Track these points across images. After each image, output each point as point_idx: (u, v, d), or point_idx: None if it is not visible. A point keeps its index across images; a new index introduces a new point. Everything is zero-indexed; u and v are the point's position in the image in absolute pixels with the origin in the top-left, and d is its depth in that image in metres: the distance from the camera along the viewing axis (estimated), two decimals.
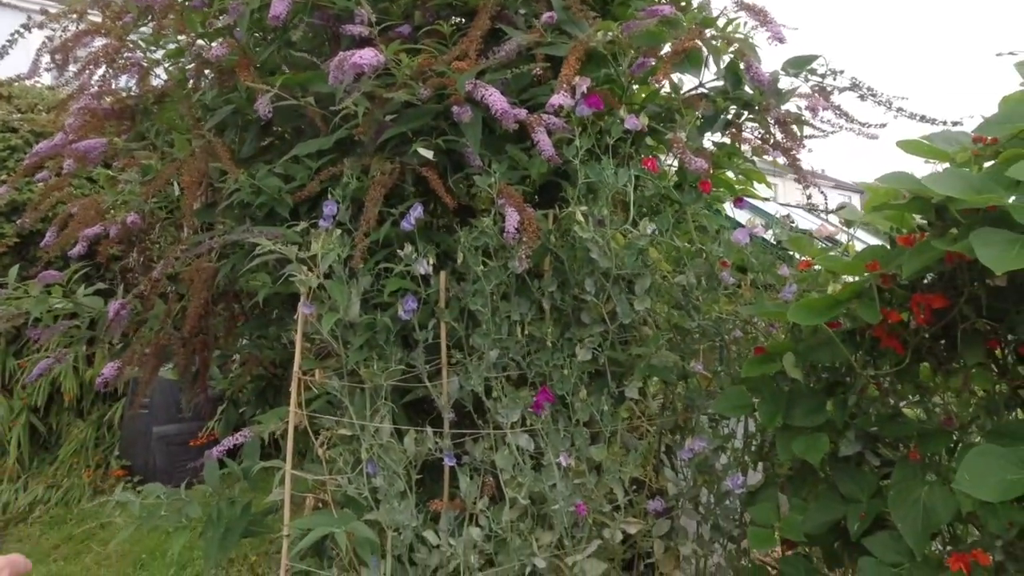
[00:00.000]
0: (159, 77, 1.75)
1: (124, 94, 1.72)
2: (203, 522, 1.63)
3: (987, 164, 0.89)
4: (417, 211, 1.23)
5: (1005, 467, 0.86)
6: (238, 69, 1.40)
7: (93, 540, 3.00)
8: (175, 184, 1.58)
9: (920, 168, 0.95)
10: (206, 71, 1.65)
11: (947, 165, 0.96)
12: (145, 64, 1.66)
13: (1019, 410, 1.12)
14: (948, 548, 1.18)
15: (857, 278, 1.19)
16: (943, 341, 1.16)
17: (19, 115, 3.65)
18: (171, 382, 3.56)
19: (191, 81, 1.70)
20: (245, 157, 1.73)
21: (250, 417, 2.17)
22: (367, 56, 1.17)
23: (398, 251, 1.36)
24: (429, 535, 1.35)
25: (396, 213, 1.39)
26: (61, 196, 1.88)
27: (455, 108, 1.26)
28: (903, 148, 1.00)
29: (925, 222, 1.07)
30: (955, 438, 1.19)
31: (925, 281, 1.14)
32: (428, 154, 1.30)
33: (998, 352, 1.10)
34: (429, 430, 1.41)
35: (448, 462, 1.34)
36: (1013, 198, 0.79)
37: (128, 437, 3.71)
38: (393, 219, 1.40)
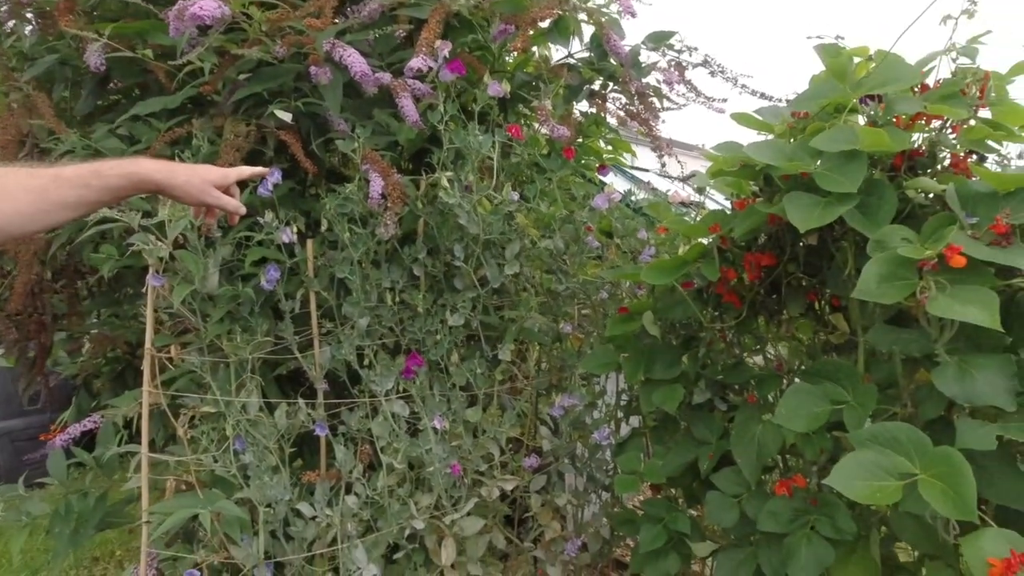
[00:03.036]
0: None
1: None
2: (51, 518, 1.49)
3: (800, 136, 1.00)
4: (275, 176, 1.17)
5: (813, 402, 0.98)
6: (58, 12, 1.24)
7: None
8: None
9: (755, 139, 1.05)
10: (24, 14, 1.45)
11: (771, 136, 1.06)
12: None
13: (834, 353, 1.28)
14: (781, 478, 1.34)
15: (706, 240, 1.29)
16: (774, 296, 1.29)
17: None
18: (11, 371, 3.18)
19: (6, 24, 1.48)
20: (83, 115, 1.55)
21: (107, 403, 1.99)
22: (208, 6, 1.08)
23: (259, 219, 1.29)
24: (304, 507, 1.33)
25: (255, 180, 1.31)
26: None
27: (312, 69, 1.21)
28: (737, 120, 1.09)
29: (757, 188, 1.18)
30: (784, 381, 1.35)
31: (759, 242, 1.26)
32: (286, 117, 1.24)
33: (816, 304, 1.25)
34: (302, 402, 1.37)
35: (320, 432, 1.32)
36: (818, 164, 0.90)
37: None
38: (253, 186, 1.32)
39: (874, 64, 0.93)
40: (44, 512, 1.47)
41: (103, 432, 1.49)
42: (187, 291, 1.19)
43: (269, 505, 1.31)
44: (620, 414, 1.75)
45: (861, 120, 0.97)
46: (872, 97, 0.93)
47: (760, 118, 1.08)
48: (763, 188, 1.15)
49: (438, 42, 1.21)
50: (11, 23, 1.52)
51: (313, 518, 1.33)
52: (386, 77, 1.24)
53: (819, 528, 1.09)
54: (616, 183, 2.13)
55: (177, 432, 1.39)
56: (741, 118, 1.07)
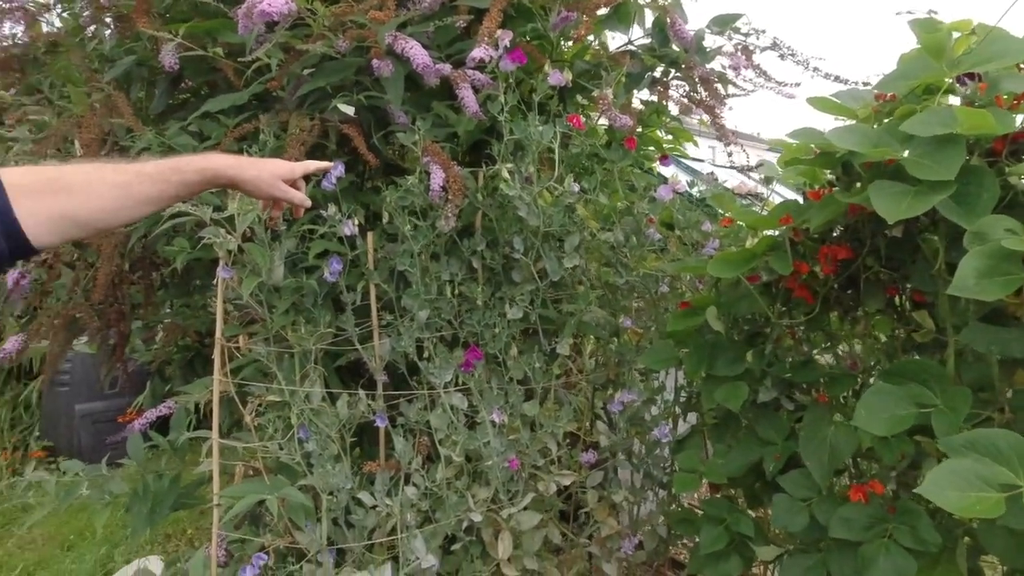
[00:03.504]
0: (50, 24, 1.60)
1: (9, 42, 1.56)
2: (130, 497, 1.58)
3: (887, 120, 0.93)
4: (338, 170, 1.18)
5: (896, 403, 0.92)
6: (135, 15, 1.29)
7: (14, 524, 2.85)
8: (75, 143, 1.46)
9: (832, 125, 0.99)
10: (104, 17, 1.51)
11: (852, 122, 1.00)
12: (32, 8, 1.50)
13: (915, 352, 1.20)
14: (852, 482, 1.27)
15: (775, 233, 1.23)
16: (849, 291, 1.22)
17: None
18: (93, 357, 3.38)
19: (88, 28, 1.56)
20: (157, 113, 1.62)
21: (178, 388, 2.09)
22: (276, 3, 1.10)
23: (323, 212, 1.31)
24: (364, 496, 1.35)
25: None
26: None
27: (375, 62, 1.21)
28: (813, 105, 1.03)
29: (834, 177, 1.12)
30: (859, 381, 1.28)
31: (835, 234, 1.20)
32: (349, 110, 1.25)
33: (897, 299, 1.17)
34: (362, 393, 1.40)
35: (380, 423, 1.34)
36: (907, 152, 0.84)
37: (49, 417, 3.51)
38: (316, 179, 1.35)
39: (976, 40, 0.86)
40: (124, 491, 1.55)
41: (176, 417, 1.56)
42: (255, 283, 1.23)
43: (331, 493, 1.34)
44: (678, 411, 1.71)
45: (956, 102, 0.90)
46: (971, 76, 0.86)
47: (839, 102, 1.02)
48: (840, 177, 1.09)
49: (499, 31, 1.19)
50: (92, 27, 1.60)
51: (373, 507, 1.36)
52: (446, 68, 1.23)
53: (898, 537, 1.03)
54: (676, 174, 2.08)
55: (244, 419, 1.44)
56: (818, 102, 1.01)
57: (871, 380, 1.30)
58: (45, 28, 1.58)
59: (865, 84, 1.24)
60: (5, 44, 1.56)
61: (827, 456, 1.15)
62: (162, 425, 1.57)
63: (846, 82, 1.40)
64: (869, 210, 0.88)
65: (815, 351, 1.36)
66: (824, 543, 1.17)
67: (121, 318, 1.71)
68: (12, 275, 1.52)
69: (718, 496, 1.47)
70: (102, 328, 1.70)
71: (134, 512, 1.51)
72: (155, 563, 2.18)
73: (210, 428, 1.44)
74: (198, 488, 1.65)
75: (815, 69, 1.43)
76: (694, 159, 2.59)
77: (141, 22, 1.29)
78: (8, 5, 1.47)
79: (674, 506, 1.75)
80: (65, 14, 1.63)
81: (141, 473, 1.58)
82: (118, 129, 1.47)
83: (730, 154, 1.54)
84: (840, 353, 1.34)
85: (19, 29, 1.54)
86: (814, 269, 1.15)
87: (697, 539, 1.42)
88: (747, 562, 1.36)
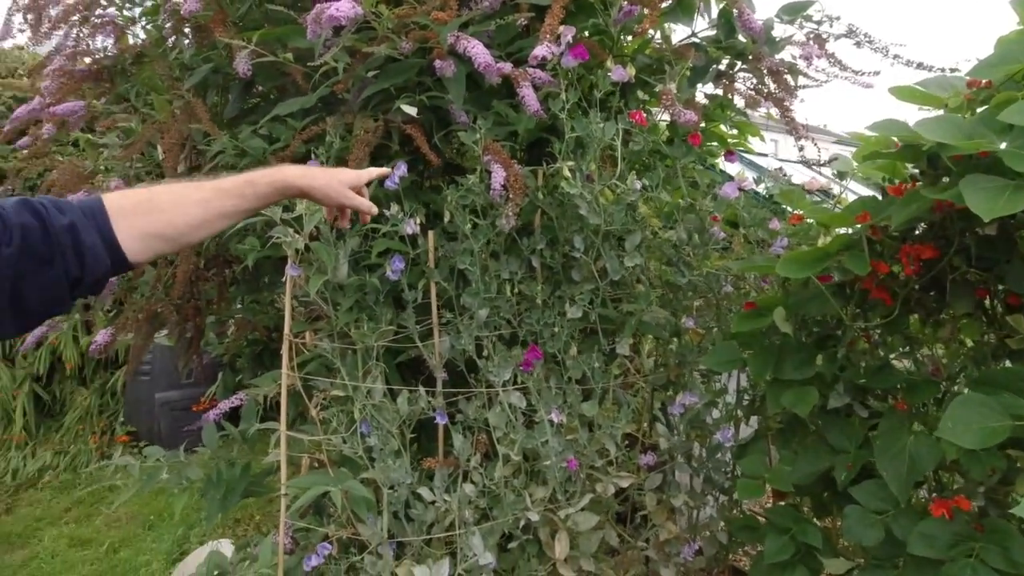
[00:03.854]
0: (136, 36, 1.70)
1: (100, 55, 1.67)
2: (204, 483, 1.66)
3: (980, 109, 0.87)
4: (401, 169, 1.21)
5: (987, 415, 0.86)
6: (213, 24, 1.35)
7: (102, 503, 3.07)
8: (157, 147, 1.55)
9: (914, 117, 0.93)
10: (184, 28, 1.60)
11: (940, 112, 0.94)
12: (120, 22, 1.60)
13: (1007, 360, 1.12)
14: (933, 495, 1.20)
15: (848, 230, 1.17)
16: (933, 292, 1.15)
17: None
18: (171, 349, 3.59)
19: (169, 39, 1.65)
20: (230, 118, 1.70)
21: (248, 381, 2.19)
22: (344, 7, 1.13)
23: (385, 211, 1.34)
24: (424, 492, 1.37)
25: None
26: (44, 162, 1.85)
27: (437, 62, 1.23)
28: (896, 95, 0.97)
29: (917, 171, 1.05)
30: (942, 388, 1.20)
31: (917, 232, 1.12)
32: (412, 111, 1.27)
33: (987, 303, 1.09)
34: (422, 389, 1.42)
35: (440, 420, 1.36)
36: (1005, 143, 0.78)
37: (132, 404, 3.75)
38: (380, 180, 1.38)
39: None
40: (199, 478, 1.64)
41: (246, 409, 1.64)
42: (321, 280, 1.27)
43: (392, 487, 1.37)
44: (740, 414, 1.66)
45: None
46: None
47: (925, 90, 0.96)
48: (925, 171, 1.02)
49: (561, 28, 1.19)
50: (173, 38, 1.69)
51: (432, 503, 1.38)
52: (507, 67, 1.23)
53: (986, 558, 0.96)
54: (742, 171, 2.01)
55: (309, 412, 1.49)
56: (902, 91, 0.95)
57: (955, 388, 1.22)
58: (131, 40, 1.69)
59: (953, 71, 1.16)
60: (97, 56, 1.68)
61: (906, 467, 1.08)
62: (233, 414, 1.65)
63: (931, 69, 1.31)
64: (958, 207, 0.82)
65: (892, 356, 1.29)
66: (900, 559, 1.11)
67: (197, 313, 1.81)
68: None
69: (783, 504, 1.41)
70: (180, 322, 1.80)
71: (208, 497, 1.59)
72: (226, 546, 2.29)
73: (277, 420, 1.50)
74: (266, 477, 1.72)
75: (896, 56, 1.35)
76: (759, 154, 2.50)
77: (218, 31, 1.35)
78: (100, 20, 1.58)
79: (735, 512, 1.69)
80: (149, 26, 1.73)
81: (215, 461, 1.67)
82: (196, 134, 1.55)
83: (801, 149, 1.47)
84: (920, 358, 1.26)
85: (109, 42, 1.65)
86: (893, 269, 1.09)
87: (760, 547, 1.38)
88: (813, 574, 1.30)
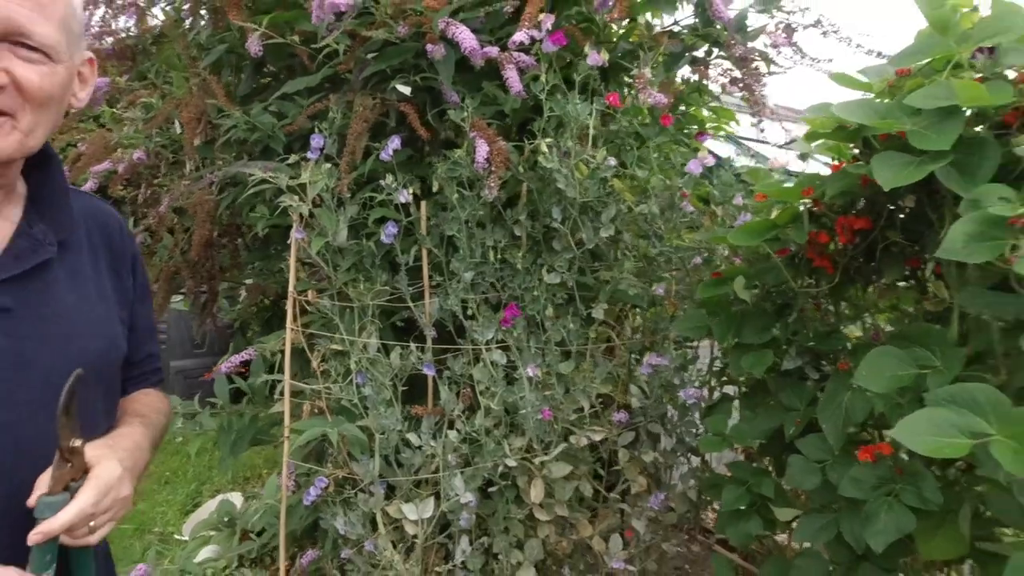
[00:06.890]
0: (157, 17, 1.83)
1: (123, 35, 1.81)
2: (218, 431, 1.83)
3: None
4: (395, 143, 1.33)
5: (897, 365, 0.98)
6: (228, 7, 1.48)
7: None
8: (176, 122, 1.68)
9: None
10: (201, 10, 1.73)
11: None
12: (142, 4, 1.74)
13: (936, 323, 1.22)
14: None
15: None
16: (873, 264, 1.26)
17: None
18: (186, 321, 3.76)
19: (187, 21, 1.78)
20: (243, 95, 1.83)
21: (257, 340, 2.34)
22: None
23: (382, 181, 1.47)
24: (412, 437, 1.52)
25: (380, 147, 1.49)
26: (70, 137, 2.00)
27: (429, 46, 1.35)
28: (836, 81, 1.08)
29: (857, 151, 1.16)
30: None
31: (859, 207, 1.23)
32: (406, 90, 1.40)
33: (920, 272, 1.20)
34: (413, 346, 1.56)
35: (428, 371, 1.49)
36: (910, 125, 0.89)
37: None
38: (376, 153, 1.51)
39: (987, 14, 0.89)
40: (212, 428, 1.80)
41: (255, 363, 1.79)
42: (322, 243, 1.40)
43: (384, 433, 1.51)
44: (713, 382, 1.78)
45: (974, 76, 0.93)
46: (991, 51, 0.89)
47: (863, 78, 1.06)
48: (863, 151, 1.13)
49: (541, 15, 1.30)
50: (190, 20, 1.82)
51: (419, 447, 1.52)
52: (493, 51, 1.35)
53: (903, 497, 1.08)
54: (724, 151, 2.12)
55: (312, 365, 1.64)
56: (840, 78, 1.06)
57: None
58: (151, 22, 1.82)
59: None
60: (121, 36, 1.81)
61: (841, 419, 1.20)
62: (244, 375, 1.81)
63: (888, 58, 1.40)
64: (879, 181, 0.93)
65: (843, 323, 1.40)
66: (837, 504, 1.22)
67: (212, 276, 1.95)
68: None
69: (743, 460, 1.54)
70: (196, 285, 1.95)
71: (221, 442, 1.76)
72: (236, 497, 2.47)
73: (282, 374, 1.65)
74: (272, 427, 1.88)
75: (858, 45, 1.45)
76: (749, 139, 2.60)
77: (232, 14, 1.48)
78: (123, 2, 1.71)
79: (707, 474, 1.82)
80: (168, 8, 1.86)
81: (226, 412, 1.83)
82: (211, 109, 1.68)
83: (762, 130, 1.58)
84: (866, 324, 1.37)
85: (131, 23, 1.78)
86: (834, 240, 1.20)
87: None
88: (769, 523, 1.42)
